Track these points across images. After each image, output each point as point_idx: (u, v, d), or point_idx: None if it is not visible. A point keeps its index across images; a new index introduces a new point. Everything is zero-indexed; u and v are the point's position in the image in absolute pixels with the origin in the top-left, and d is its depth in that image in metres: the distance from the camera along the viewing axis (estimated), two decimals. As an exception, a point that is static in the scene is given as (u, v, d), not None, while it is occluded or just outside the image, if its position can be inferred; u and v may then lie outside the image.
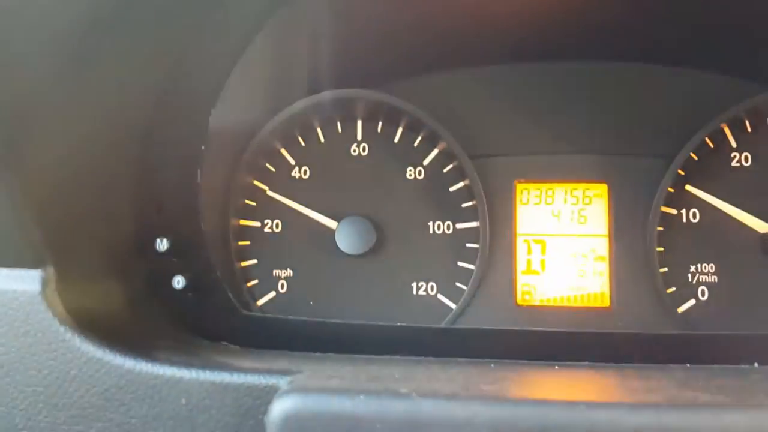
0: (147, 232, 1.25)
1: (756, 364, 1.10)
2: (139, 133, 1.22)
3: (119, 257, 1.21)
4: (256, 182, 1.45)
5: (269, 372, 0.93)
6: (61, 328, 0.98)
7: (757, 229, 1.34)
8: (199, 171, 1.23)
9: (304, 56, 1.43)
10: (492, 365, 1.16)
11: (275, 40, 1.32)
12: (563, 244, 1.41)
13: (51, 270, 0.99)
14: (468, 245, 1.41)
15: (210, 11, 1.20)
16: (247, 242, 1.44)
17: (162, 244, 1.25)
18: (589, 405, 0.76)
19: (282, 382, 0.90)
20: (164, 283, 1.24)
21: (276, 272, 1.43)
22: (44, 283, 0.97)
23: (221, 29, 1.23)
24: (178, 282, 1.24)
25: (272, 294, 1.42)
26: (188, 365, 0.97)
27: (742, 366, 1.13)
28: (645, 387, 0.95)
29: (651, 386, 0.96)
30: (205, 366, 0.96)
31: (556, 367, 1.15)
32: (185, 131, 1.23)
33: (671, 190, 1.36)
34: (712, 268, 1.35)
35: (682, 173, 1.37)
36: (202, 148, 1.21)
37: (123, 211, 1.22)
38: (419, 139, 1.44)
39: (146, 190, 1.25)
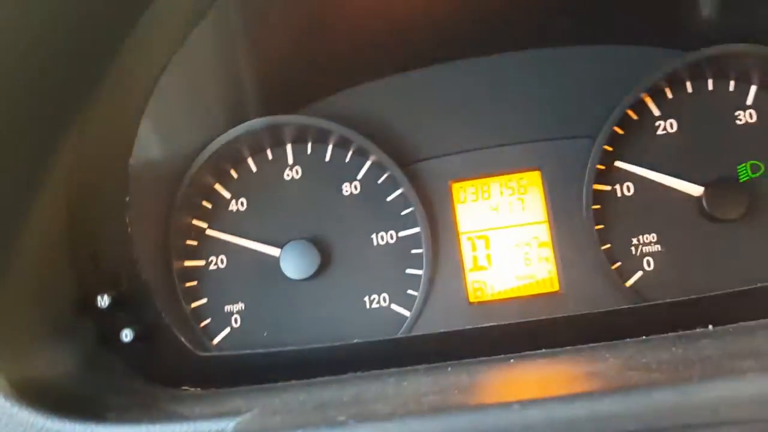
0: (87, 289, 1.24)
1: (710, 326, 1.13)
2: (61, 185, 1.21)
3: (62, 320, 1.19)
4: (194, 221, 1.44)
5: (218, 416, 0.92)
6: (7, 403, 0.96)
7: (691, 192, 1.35)
8: (127, 220, 1.23)
9: (222, 85, 1.42)
10: (449, 368, 1.18)
11: (188, 71, 1.30)
12: (506, 236, 1.42)
13: (-10, 346, 0.98)
14: (413, 251, 1.41)
15: (119, 45, 1.18)
16: (195, 282, 1.42)
17: (103, 301, 1.23)
18: (523, 404, 0.77)
19: (229, 426, 0.90)
20: (113, 338, 1.23)
21: (228, 308, 1.42)
22: (-15, 363, 0.96)
23: (131, 70, 1.22)
24: (126, 335, 1.22)
25: (227, 330, 1.41)
26: (138, 422, 0.96)
27: (697, 330, 1.15)
28: (588, 372, 0.96)
29: (594, 370, 0.97)
30: (155, 420, 0.96)
31: (512, 360, 1.17)
32: (106, 180, 1.21)
33: (602, 167, 1.38)
34: (654, 238, 1.37)
35: (610, 149, 1.38)
36: (126, 199, 1.21)
37: (59, 273, 1.21)
38: (350, 154, 1.44)
39: (79, 248, 1.24)
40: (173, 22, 1.20)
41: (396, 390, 1.01)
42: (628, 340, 1.15)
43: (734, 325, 1.11)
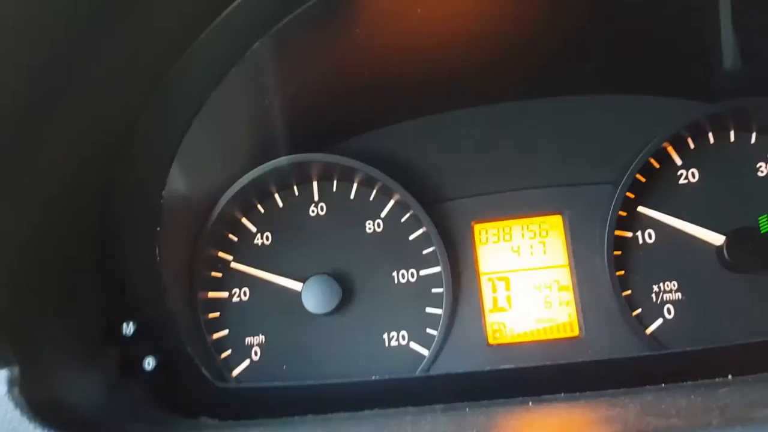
0: (113, 316, 1.27)
1: (730, 376, 1.12)
2: (94, 215, 1.24)
3: (87, 345, 1.22)
4: (220, 254, 1.47)
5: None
6: (31, 426, 0.98)
7: (712, 242, 1.36)
8: (157, 250, 1.26)
9: (252, 125, 1.47)
10: (467, 409, 1.18)
11: (221, 111, 1.34)
12: (526, 278, 1.43)
13: (16, 369, 1.00)
14: (434, 290, 1.42)
15: (157, 83, 1.23)
16: (217, 314, 1.44)
17: (129, 328, 1.26)
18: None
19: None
20: (135, 366, 1.25)
21: (248, 340, 1.43)
22: (10, 383, 0.98)
23: (169, 105, 1.26)
24: (149, 363, 1.24)
25: (247, 362, 1.42)
26: (156, 450, 0.97)
27: (717, 379, 1.14)
28: (607, 416, 0.96)
29: (612, 416, 0.97)
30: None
31: (530, 404, 1.16)
32: (139, 211, 1.25)
33: (623, 213, 1.39)
34: (674, 286, 1.37)
35: (632, 196, 1.40)
36: (158, 229, 1.25)
37: (86, 299, 1.24)
38: (374, 193, 1.47)
39: (108, 274, 1.26)
40: (207, 68, 1.25)
41: (413, 429, 1.02)
42: (647, 387, 1.15)
43: (754, 375, 1.11)
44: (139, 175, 1.24)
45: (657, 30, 1.36)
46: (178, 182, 1.29)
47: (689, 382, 1.12)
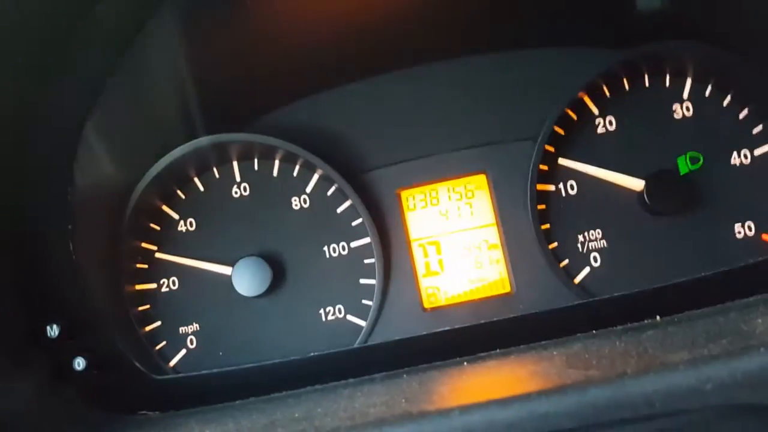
0: (37, 320, 1.22)
1: (657, 317, 1.15)
2: (5, 216, 1.19)
3: (13, 352, 1.18)
4: (143, 244, 1.43)
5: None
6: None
7: (633, 187, 1.38)
8: (72, 248, 1.21)
9: (162, 105, 1.41)
10: (404, 376, 1.18)
11: (126, 92, 1.30)
12: (456, 240, 1.43)
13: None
14: (366, 261, 1.41)
15: (50, 68, 1.16)
16: (147, 306, 1.41)
17: (53, 331, 1.22)
18: (463, 409, 0.78)
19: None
20: (66, 367, 1.22)
21: (182, 329, 1.41)
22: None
23: (66, 90, 1.20)
24: (79, 364, 1.21)
25: (183, 352, 1.40)
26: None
27: (645, 322, 1.17)
28: (532, 372, 0.98)
29: (538, 370, 0.98)
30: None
31: (465, 363, 1.18)
32: (48, 209, 1.20)
33: (545, 167, 1.40)
34: (599, 234, 1.39)
35: (553, 149, 1.41)
36: (69, 227, 1.20)
37: (5, 304, 1.19)
38: (297, 168, 1.44)
39: (25, 277, 1.22)
40: (109, 36, 1.19)
41: (348, 403, 1.02)
42: (578, 335, 1.18)
43: (678, 315, 1.15)
44: (42, 169, 1.19)
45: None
46: (85, 174, 1.24)
47: (618, 327, 1.14)
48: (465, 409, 0.77)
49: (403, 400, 0.92)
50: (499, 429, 0.77)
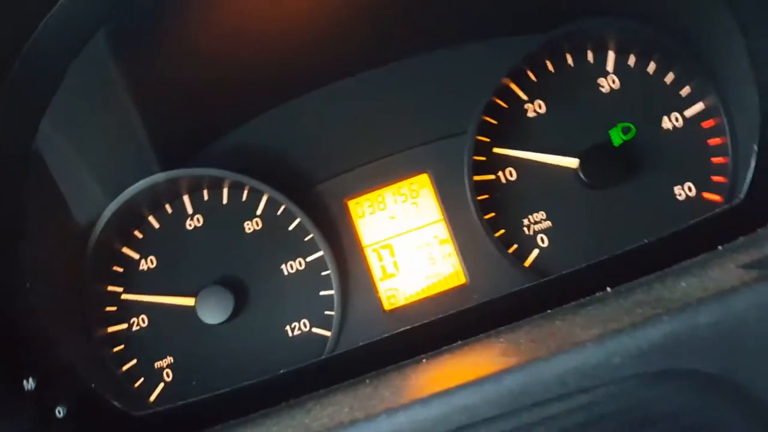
0: (12, 375, 1.27)
1: (608, 289, 1.18)
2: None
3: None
4: (109, 288, 1.47)
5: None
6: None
7: (569, 165, 1.41)
8: (33, 303, 1.25)
9: (106, 146, 1.42)
10: (367, 380, 1.22)
11: (63, 136, 1.30)
12: (408, 240, 1.46)
13: None
14: (323, 273, 1.45)
15: None
16: (122, 346, 1.45)
17: (29, 384, 1.26)
18: (389, 412, 0.82)
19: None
20: (48, 415, 1.27)
21: (157, 364, 1.45)
22: None
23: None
24: (60, 411, 1.26)
25: (161, 386, 1.44)
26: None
27: (597, 294, 1.20)
28: (469, 365, 1.01)
29: (476, 362, 1.02)
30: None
31: (424, 360, 1.21)
32: (2, 268, 1.23)
33: (482, 158, 1.43)
34: (543, 215, 1.42)
35: (488, 140, 1.44)
36: (27, 285, 1.24)
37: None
38: (246, 193, 1.48)
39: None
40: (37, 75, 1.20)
41: (310, 417, 1.06)
42: (528, 319, 1.21)
43: (625, 285, 1.17)
44: None
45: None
46: (35, 226, 1.26)
47: (567, 305, 1.17)
48: (390, 411, 0.81)
49: (347, 409, 0.96)
50: (425, 427, 0.81)
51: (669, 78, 1.42)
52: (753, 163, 1.22)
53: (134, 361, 1.45)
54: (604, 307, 1.08)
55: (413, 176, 1.46)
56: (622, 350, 0.80)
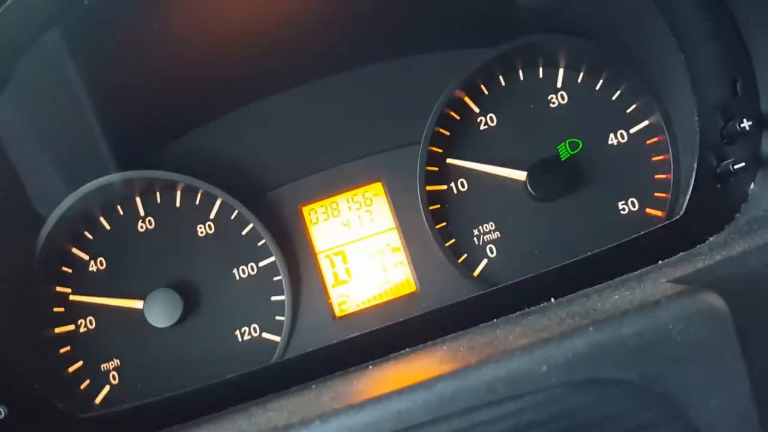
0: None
1: (552, 299, 1.21)
2: None
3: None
4: (57, 288, 1.45)
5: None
6: None
7: (518, 178, 1.44)
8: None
9: (58, 145, 1.40)
10: (313, 386, 1.23)
11: (16, 132, 1.29)
12: (361, 247, 1.48)
13: None
14: (275, 278, 1.46)
15: None
16: (68, 347, 1.44)
17: (-32, 382, 1.25)
18: (322, 418, 0.84)
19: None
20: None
21: (104, 366, 1.43)
22: None
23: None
24: (1, 412, 1.24)
25: (107, 389, 1.43)
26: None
27: (540, 305, 1.23)
28: (408, 371, 1.03)
29: (415, 369, 1.04)
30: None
31: (370, 367, 1.23)
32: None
33: (435, 168, 1.46)
34: (492, 226, 1.46)
35: (441, 150, 1.47)
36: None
37: None
38: (199, 197, 1.48)
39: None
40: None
41: (255, 420, 1.06)
42: (477, 327, 1.23)
43: (570, 295, 1.20)
44: None
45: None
46: None
47: (516, 314, 1.20)
48: (324, 417, 0.83)
49: (286, 413, 0.97)
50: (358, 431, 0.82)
51: (616, 95, 1.47)
52: (692, 181, 1.27)
53: (80, 363, 1.44)
54: (543, 317, 1.11)
55: (368, 184, 1.49)
56: (549, 359, 0.82)
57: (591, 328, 0.83)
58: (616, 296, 1.03)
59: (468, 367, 0.83)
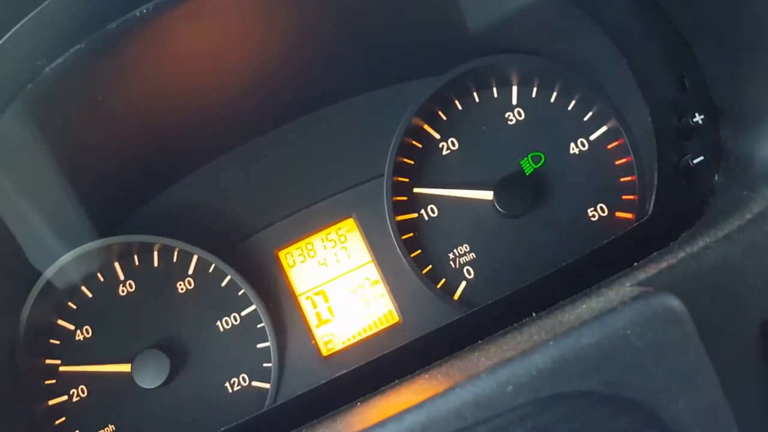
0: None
1: (533, 314, 1.21)
2: None
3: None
4: (47, 361, 1.46)
5: None
6: None
7: (485, 198, 1.46)
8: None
9: (30, 218, 1.39)
10: (303, 430, 1.23)
11: None
12: (341, 285, 1.49)
13: None
14: (258, 326, 1.46)
15: None
16: (63, 418, 1.44)
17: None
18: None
19: None
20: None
21: (99, 433, 1.47)
22: None
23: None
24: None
25: (104, 455, 1.46)
26: None
27: (520, 322, 1.23)
28: (385, 405, 1.03)
29: (392, 402, 1.04)
30: None
31: (359, 403, 1.23)
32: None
33: (403, 198, 1.48)
34: (467, 248, 1.47)
35: (407, 180, 1.49)
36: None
37: None
38: (176, 255, 1.49)
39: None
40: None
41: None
42: (460, 351, 1.23)
43: (548, 308, 1.20)
44: None
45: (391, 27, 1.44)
46: None
47: (497, 334, 1.20)
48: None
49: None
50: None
51: (571, 105, 1.49)
52: (655, 180, 1.29)
53: (76, 432, 1.47)
54: (519, 335, 1.11)
55: (340, 221, 1.50)
56: (513, 379, 0.83)
57: (551, 342, 0.84)
58: (584, 306, 1.04)
59: (435, 396, 0.83)
